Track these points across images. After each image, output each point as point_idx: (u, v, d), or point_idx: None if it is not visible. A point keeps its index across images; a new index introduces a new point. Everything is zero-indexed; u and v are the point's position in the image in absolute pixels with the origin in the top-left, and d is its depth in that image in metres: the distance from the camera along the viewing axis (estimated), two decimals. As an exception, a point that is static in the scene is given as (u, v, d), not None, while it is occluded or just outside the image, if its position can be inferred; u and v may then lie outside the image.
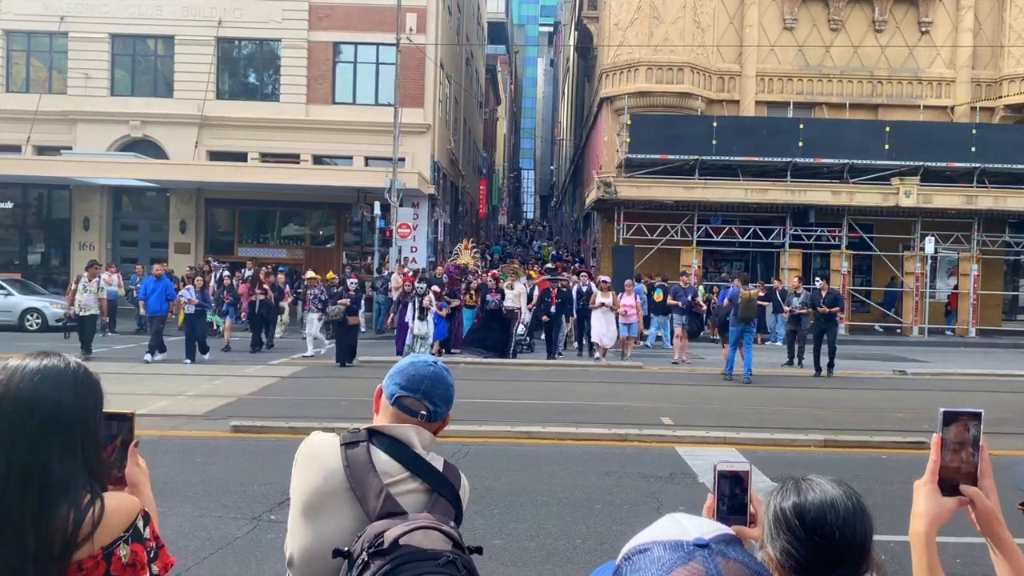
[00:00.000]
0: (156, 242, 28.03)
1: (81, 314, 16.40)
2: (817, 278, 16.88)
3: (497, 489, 7.30)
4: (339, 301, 15.95)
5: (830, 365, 15.31)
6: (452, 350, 17.84)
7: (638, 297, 18.78)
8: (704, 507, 1.78)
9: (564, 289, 18.85)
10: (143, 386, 12.86)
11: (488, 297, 17.80)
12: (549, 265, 27.28)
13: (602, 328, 17.39)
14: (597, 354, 17.44)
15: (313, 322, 17.10)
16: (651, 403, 12.10)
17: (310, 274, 18.66)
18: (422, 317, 16.00)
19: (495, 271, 19.94)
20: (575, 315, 18.51)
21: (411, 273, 20.99)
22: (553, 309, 17.90)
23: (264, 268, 20.78)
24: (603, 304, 17.32)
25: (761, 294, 19.39)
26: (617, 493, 7.45)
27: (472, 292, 18.84)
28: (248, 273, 20.89)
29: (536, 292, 18.81)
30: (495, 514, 6.59)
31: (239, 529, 6.25)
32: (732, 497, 1.76)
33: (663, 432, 9.90)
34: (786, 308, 18.63)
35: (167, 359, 15.86)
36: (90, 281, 16.59)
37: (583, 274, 20.71)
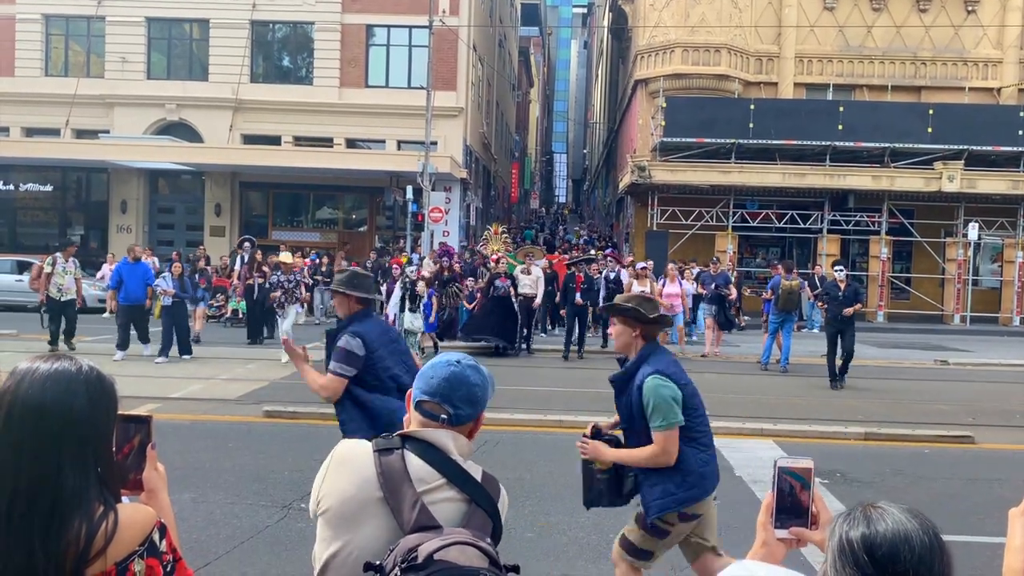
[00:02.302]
0: (192, 225, 28.30)
1: (62, 299, 14.32)
2: (837, 268, 13.62)
3: (529, 480, 7.22)
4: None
5: (842, 372, 12.69)
6: (453, 337, 16.42)
7: (683, 285, 16.58)
8: (763, 505, 1.67)
9: (590, 274, 16.24)
10: (178, 369, 12.98)
11: (497, 283, 15.65)
12: (593, 252, 24.02)
13: None
14: None
15: (287, 319, 14.00)
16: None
17: (283, 256, 15.12)
18: (413, 308, 13.49)
19: (499, 255, 18.29)
20: (600, 304, 16.73)
21: (402, 256, 19.69)
22: (579, 297, 15.45)
23: (276, 249, 19.32)
24: (642, 292, 15.91)
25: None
26: (651, 485, 7.31)
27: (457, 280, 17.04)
28: (282, 255, 20.83)
29: (540, 275, 16.41)
30: (527, 506, 6.50)
31: (270, 517, 6.24)
32: (793, 496, 1.64)
33: (698, 422, 9.72)
34: (811, 295, 18.10)
35: (128, 357, 13.51)
36: (67, 262, 14.54)
37: (610, 258, 18.77)
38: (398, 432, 1.94)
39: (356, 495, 1.81)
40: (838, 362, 12.64)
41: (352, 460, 1.86)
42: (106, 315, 19.04)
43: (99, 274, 21.82)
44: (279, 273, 14.30)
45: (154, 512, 1.67)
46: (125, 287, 13.90)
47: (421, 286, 13.71)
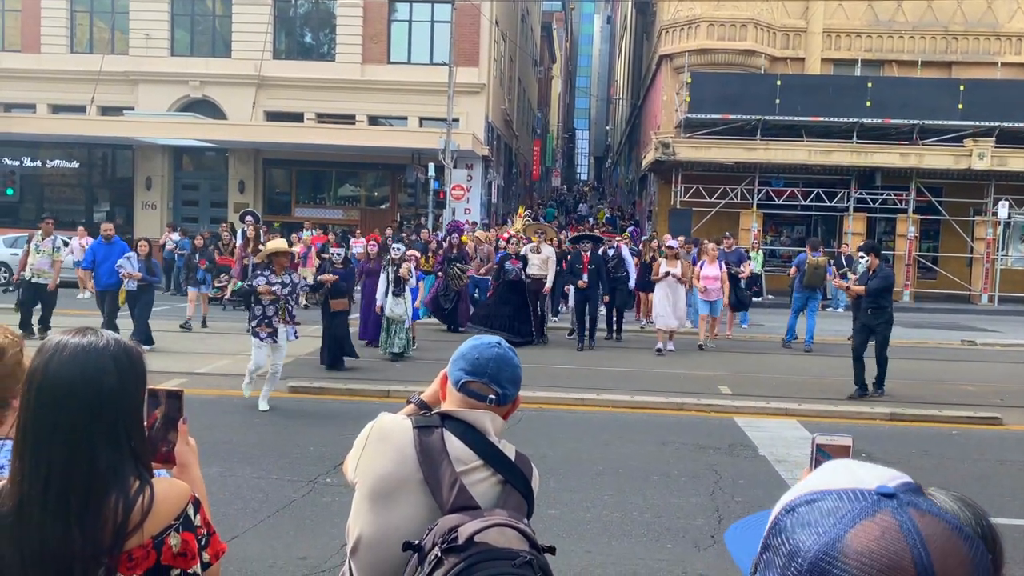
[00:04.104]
0: (216, 202, 28.47)
1: (34, 280, 12.95)
2: (861, 254, 10.96)
3: (552, 457, 7.23)
4: (320, 277, 11.52)
5: (878, 383, 10.24)
6: (459, 328, 14.90)
7: (723, 267, 14.40)
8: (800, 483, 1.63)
9: (598, 254, 14.08)
10: (203, 345, 13.11)
11: (508, 265, 13.94)
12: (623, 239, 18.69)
13: (664, 307, 13.47)
14: (660, 344, 13.47)
15: (276, 349, 9.10)
16: (708, 371, 11.88)
17: (274, 244, 9.59)
18: (397, 292, 11.98)
19: (510, 231, 16.75)
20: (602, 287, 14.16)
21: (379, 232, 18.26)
22: (586, 277, 13.40)
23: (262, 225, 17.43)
24: (669, 274, 13.49)
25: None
26: (674, 464, 7.32)
27: (430, 254, 15.58)
28: (306, 235, 20.66)
29: (551, 255, 14.40)
30: (550, 483, 6.51)
31: (296, 491, 6.30)
32: None
33: (721, 402, 9.70)
34: (834, 277, 17.66)
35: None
36: (43, 240, 13.08)
37: (604, 236, 16.80)
38: (437, 411, 1.94)
39: (394, 472, 1.81)
40: (871, 371, 10.33)
41: (392, 437, 1.86)
42: (80, 296, 16.69)
43: (67, 249, 18.37)
44: (267, 272, 8.99)
45: (188, 487, 1.68)
46: (98, 270, 12.33)
47: (405, 268, 12.03)
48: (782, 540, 0.84)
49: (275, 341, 8.90)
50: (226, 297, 17.49)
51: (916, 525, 0.79)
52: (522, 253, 14.34)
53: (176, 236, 20.97)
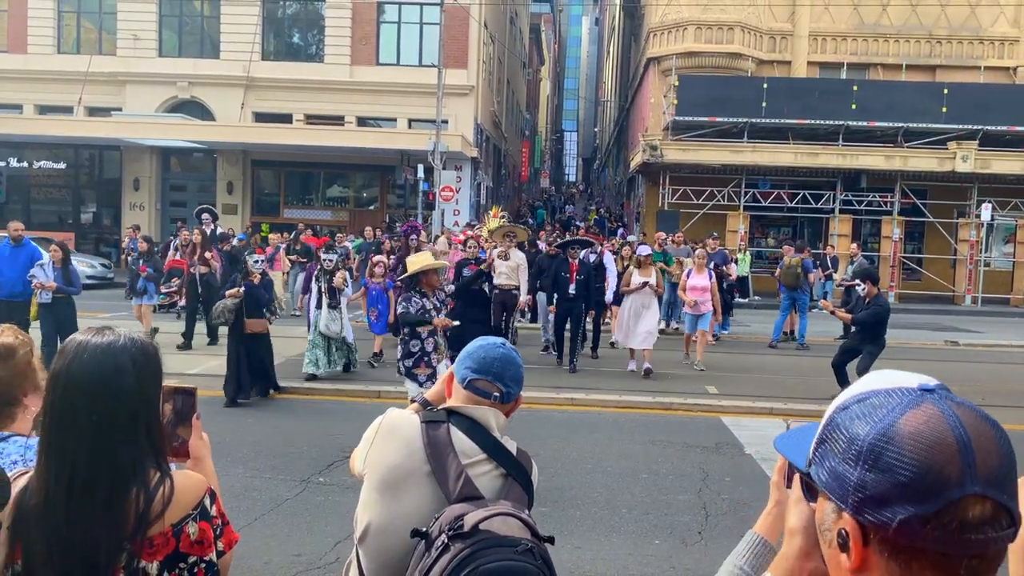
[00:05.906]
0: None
1: None
2: (859, 282, 10.44)
3: (542, 456, 7.32)
4: (227, 293, 9.42)
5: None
6: None
7: (712, 276, 12.70)
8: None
9: (585, 261, 12.24)
10: (193, 345, 13.11)
11: (465, 272, 10.99)
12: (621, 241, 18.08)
13: (629, 321, 11.55)
14: (632, 365, 11.77)
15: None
16: (695, 371, 12.01)
17: (421, 260, 7.61)
18: (333, 305, 10.50)
19: (470, 232, 14.95)
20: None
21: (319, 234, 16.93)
22: (572, 290, 11.62)
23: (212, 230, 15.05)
24: (645, 285, 11.51)
25: (808, 260, 18.99)
26: (662, 463, 7.43)
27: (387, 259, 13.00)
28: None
29: (522, 262, 12.30)
30: (540, 481, 6.60)
31: (289, 491, 6.37)
32: None
33: (708, 401, 9.83)
34: (821, 275, 17.86)
35: None
36: None
37: (593, 238, 15.40)
38: (443, 407, 2.03)
39: (403, 464, 1.90)
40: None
41: (400, 431, 1.96)
42: None
43: None
44: (417, 295, 7.27)
45: (205, 479, 1.78)
46: (0, 278, 10.60)
47: (339, 278, 10.57)
48: (839, 433, 0.99)
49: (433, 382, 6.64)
50: (180, 303, 14.81)
51: (955, 411, 0.95)
52: (486, 260, 11.83)
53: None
